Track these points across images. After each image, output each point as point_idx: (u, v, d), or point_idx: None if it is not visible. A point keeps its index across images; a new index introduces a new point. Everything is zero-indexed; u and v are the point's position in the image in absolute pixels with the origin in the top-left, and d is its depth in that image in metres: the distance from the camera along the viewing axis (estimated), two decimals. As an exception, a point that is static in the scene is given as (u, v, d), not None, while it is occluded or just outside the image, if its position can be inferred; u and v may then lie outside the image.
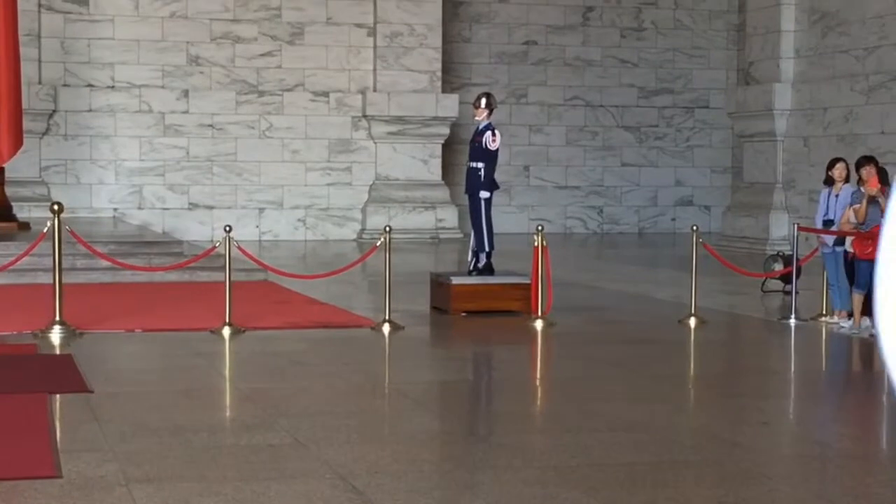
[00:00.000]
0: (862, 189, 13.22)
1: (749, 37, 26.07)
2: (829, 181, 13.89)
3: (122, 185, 26.21)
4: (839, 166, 13.76)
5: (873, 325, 12.84)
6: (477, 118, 14.95)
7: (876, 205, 13.00)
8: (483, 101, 14.88)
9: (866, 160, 13.51)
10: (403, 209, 26.72)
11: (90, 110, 25.99)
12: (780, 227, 24.16)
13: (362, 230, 26.77)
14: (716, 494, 6.51)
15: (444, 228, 26.94)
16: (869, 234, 12.99)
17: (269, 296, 15.64)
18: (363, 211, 26.99)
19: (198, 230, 25.99)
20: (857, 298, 13.34)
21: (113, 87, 26.15)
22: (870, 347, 12.36)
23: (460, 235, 26.28)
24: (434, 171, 27.27)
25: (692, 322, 13.48)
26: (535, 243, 13.65)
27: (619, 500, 6.38)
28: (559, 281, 14.50)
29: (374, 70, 27.12)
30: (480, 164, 14.62)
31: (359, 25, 27.17)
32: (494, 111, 15.03)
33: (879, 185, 13.06)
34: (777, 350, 12.78)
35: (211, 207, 26.60)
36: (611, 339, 12.61)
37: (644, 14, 30.48)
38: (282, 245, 24.90)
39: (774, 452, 7.85)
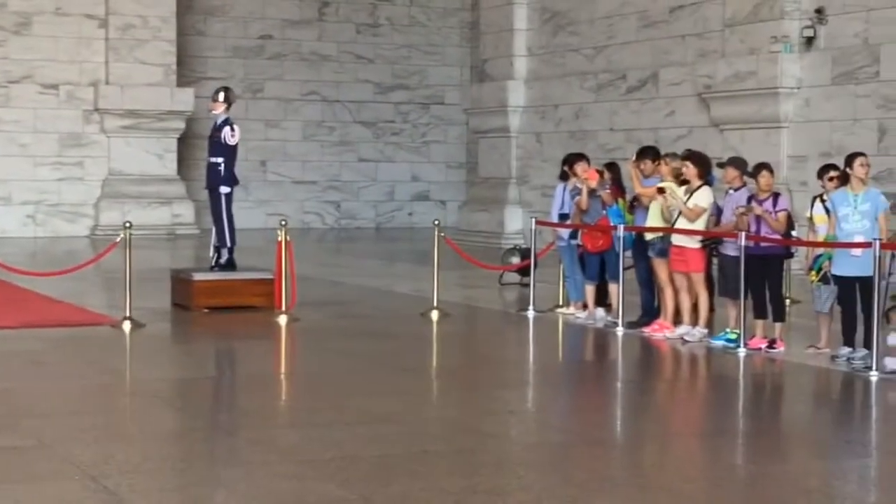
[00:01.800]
0: (578, 184, 13.68)
1: (483, 35, 26.59)
2: (564, 176, 14.30)
3: None
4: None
5: (607, 315, 13.32)
6: (214, 112, 14.79)
7: (597, 198, 13.48)
8: (221, 95, 14.73)
9: (577, 157, 14.02)
10: (138, 205, 26.17)
11: None
12: (515, 221, 24.72)
13: (95, 226, 26.09)
14: (469, 484, 6.63)
15: (180, 224, 26.52)
16: (598, 228, 13.45)
17: (1, 294, 15.10)
18: (96, 207, 26.32)
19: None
20: (590, 289, 13.81)
21: None
22: (604, 336, 12.80)
23: (197, 231, 25.93)
24: (169, 166, 26.81)
25: (434, 315, 13.67)
26: (279, 238, 13.60)
27: (374, 492, 6.43)
28: (300, 276, 14.48)
29: (107, 62, 26.47)
30: (220, 159, 14.47)
31: (89, 16, 26.45)
32: (233, 106, 14.89)
33: (598, 178, 13.57)
34: (517, 341, 13.09)
35: (-67, 203, 25.52)
36: (355, 334, 12.68)
37: (379, 10, 30.70)
38: (10, 242, 24.04)
39: (522, 440, 8.06)
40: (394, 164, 30.94)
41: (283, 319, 13.18)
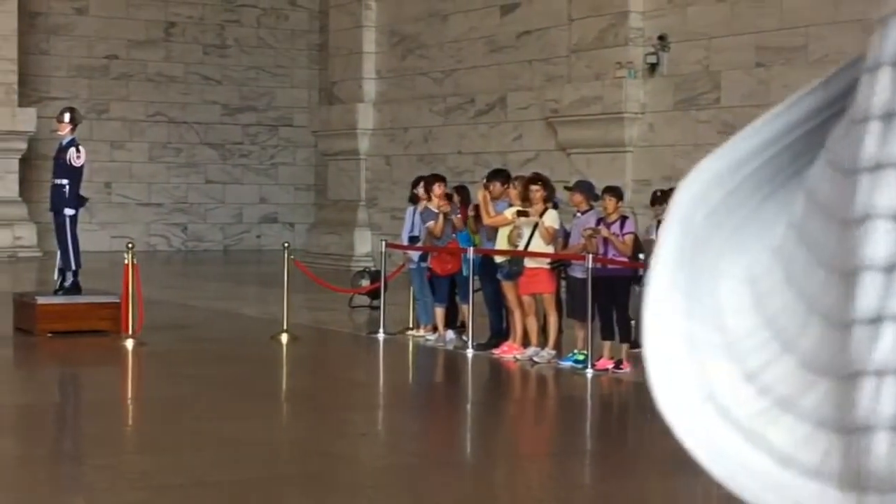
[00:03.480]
0: (432, 208, 13.77)
1: (332, 57, 26.59)
2: (414, 199, 14.36)
3: None
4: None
5: (457, 338, 13.40)
6: (60, 133, 14.53)
7: (448, 221, 13.59)
8: (66, 116, 14.49)
9: (434, 178, 14.15)
10: (-22, 227, 25.55)
11: None
12: (364, 244, 24.73)
13: (-68, 249, 25.39)
14: (321, 506, 6.62)
15: (22, 247, 25.93)
16: (447, 251, 13.54)
17: None
18: (-67, 229, 25.62)
19: None
20: (440, 312, 13.88)
21: None
22: (454, 359, 12.87)
23: (40, 254, 25.38)
24: (11, 188, 26.22)
25: (284, 338, 13.59)
26: (125, 261, 13.39)
27: (226, 517, 6.38)
28: (147, 300, 14.26)
29: (-55, 81, 25.82)
30: (65, 181, 14.22)
31: (-73, 34, 25.80)
32: (78, 126, 14.65)
33: (448, 203, 13.70)
34: (368, 363, 13.09)
35: None
36: (204, 357, 12.55)
37: (227, 31, 30.49)
38: None
39: (373, 463, 8.06)
40: (242, 186, 30.71)
41: (129, 344, 12.97)
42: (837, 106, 0.67)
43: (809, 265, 0.61)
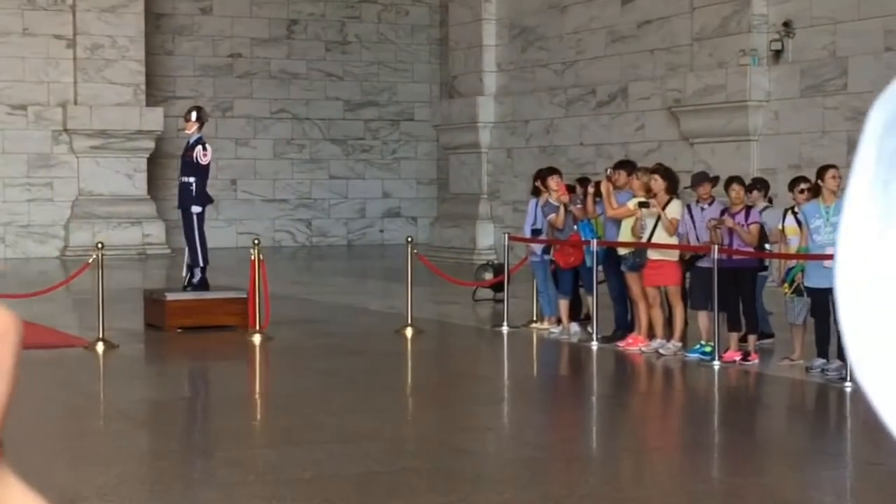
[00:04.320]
0: (552, 200, 13.71)
1: (452, 51, 26.65)
2: (536, 191, 14.32)
3: None
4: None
5: (581, 330, 13.34)
6: (187, 132, 14.77)
7: (569, 213, 13.53)
8: (193, 114, 14.71)
9: (549, 171, 14.10)
10: (108, 225, 26.07)
11: None
12: (487, 237, 24.76)
13: (65, 247, 25.98)
14: (448, 500, 6.63)
15: (151, 244, 26.43)
16: (570, 244, 13.48)
17: (-29, 317, 14.97)
18: (66, 227, 26.22)
19: None
20: (564, 304, 13.82)
21: None
22: (579, 351, 12.82)
23: (168, 251, 25.85)
24: (139, 186, 26.73)
25: (409, 332, 13.65)
26: (252, 257, 13.56)
27: (354, 510, 6.42)
28: (273, 295, 14.43)
29: (75, 83, 26.39)
30: (192, 179, 14.44)
31: (57, 37, 26.38)
32: (205, 125, 14.88)
33: (569, 194, 13.64)
34: (492, 357, 13.10)
35: None
36: (330, 352, 12.66)
37: (348, 27, 30.72)
38: (-20, 264, 23.90)
39: (499, 457, 8.06)
40: (364, 181, 30.93)
41: (257, 339, 13.14)
42: None
43: None
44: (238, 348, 12.91)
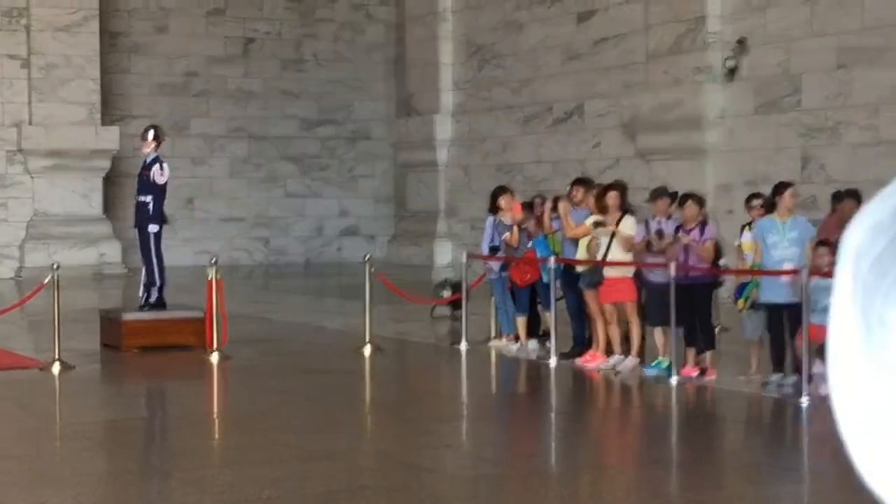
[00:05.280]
0: (505, 220, 13.78)
1: (409, 69, 26.70)
2: (493, 209, 14.35)
3: None
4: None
5: (540, 347, 13.37)
6: (144, 151, 14.71)
7: (524, 230, 13.61)
8: (150, 133, 14.66)
9: (500, 190, 14.16)
10: (64, 245, 25.88)
11: None
12: (445, 255, 24.78)
13: (20, 268, 25.78)
14: (408, 518, 6.63)
15: (107, 264, 26.27)
16: (526, 261, 13.52)
17: (-75, 339, 14.84)
18: (21, 248, 26.02)
19: None
20: (521, 321, 13.85)
21: None
22: (537, 368, 12.84)
23: (125, 270, 25.70)
24: (95, 206, 26.58)
25: (367, 350, 13.62)
26: (209, 276, 13.51)
27: (313, 529, 6.40)
28: (230, 314, 14.36)
29: (30, 102, 26.23)
30: (149, 198, 14.38)
31: (12, 56, 26.22)
32: (162, 144, 14.83)
33: (524, 211, 13.73)
34: (451, 374, 13.11)
35: None
36: (288, 371, 12.62)
37: (304, 46, 30.69)
38: (-67, 285, 23.67)
39: (458, 474, 8.06)
40: (322, 199, 30.88)
41: (214, 358, 13.08)
42: None
43: None
44: (195, 368, 12.85)
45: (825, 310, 10.31)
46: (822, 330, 10.46)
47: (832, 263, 10.34)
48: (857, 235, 0.60)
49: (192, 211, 29.45)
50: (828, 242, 10.74)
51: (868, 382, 0.61)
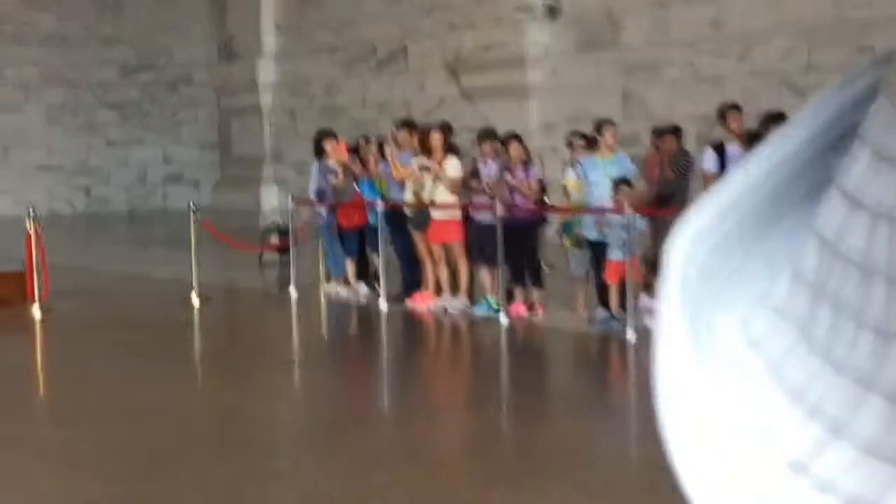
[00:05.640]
0: (331, 165, 13.74)
1: (229, 11, 26.24)
2: (319, 153, 14.23)
3: None
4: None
5: (370, 291, 13.37)
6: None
7: (349, 175, 13.60)
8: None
9: (323, 135, 14.11)
10: None
11: None
12: (272, 200, 24.53)
13: None
14: (243, 470, 6.56)
15: (-80, 218, 25.42)
16: (354, 206, 13.48)
17: None
18: None
19: None
20: (350, 265, 13.83)
21: None
22: (368, 311, 12.83)
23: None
24: None
25: (195, 299, 13.44)
26: (28, 227, 13.14)
27: (146, 487, 6.29)
28: (52, 266, 13.99)
29: None
30: (-38, 149, 13.91)
31: None
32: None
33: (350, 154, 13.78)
34: (281, 321, 13.00)
35: None
36: (114, 323, 12.37)
37: (121, -11, 29.95)
38: None
39: (293, 422, 8.02)
40: (144, 146, 30.30)
41: (36, 312, 12.75)
42: (835, 133, 0.58)
43: (839, 328, 0.52)
44: (16, 322, 12.50)
45: (622, 246, 10.52)
46: (620, 266, 10.67)
47: (633, 203, 10.51)
48: (681, 243, 0.58)
49: (8, 160, 28.61)
50: (628, 182, 10.91)
51: (698, 392, 0.59)
